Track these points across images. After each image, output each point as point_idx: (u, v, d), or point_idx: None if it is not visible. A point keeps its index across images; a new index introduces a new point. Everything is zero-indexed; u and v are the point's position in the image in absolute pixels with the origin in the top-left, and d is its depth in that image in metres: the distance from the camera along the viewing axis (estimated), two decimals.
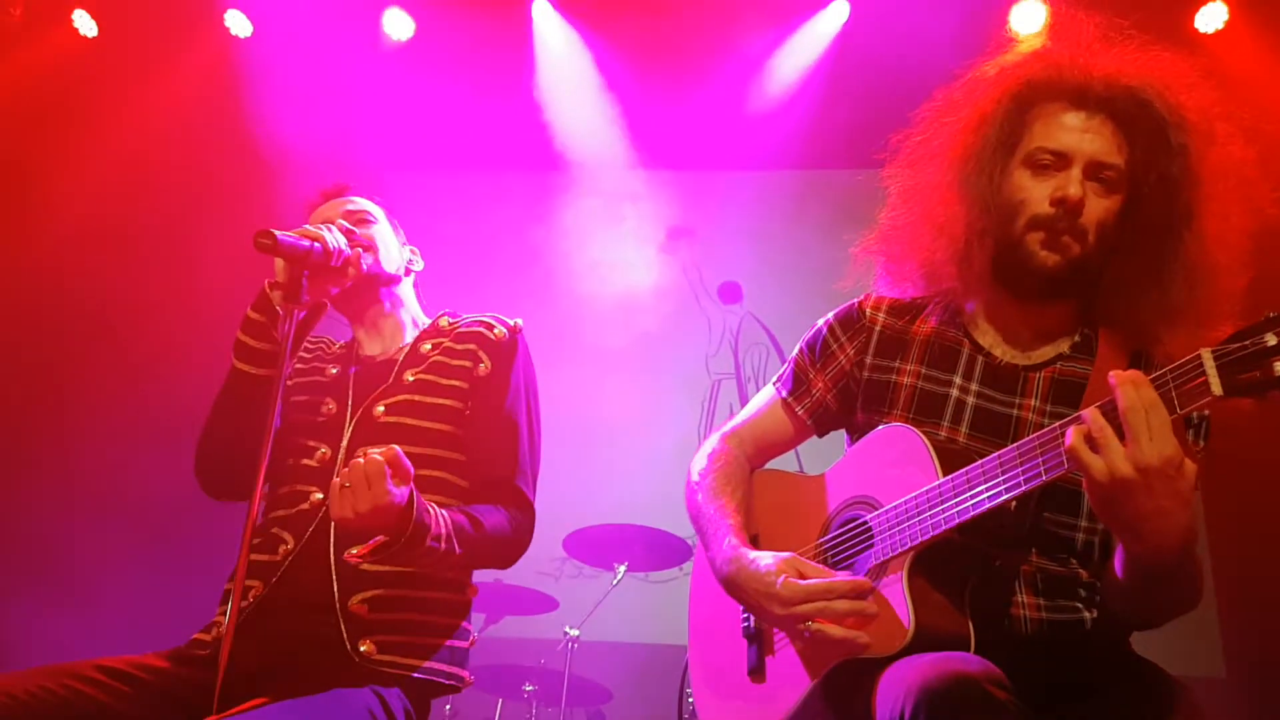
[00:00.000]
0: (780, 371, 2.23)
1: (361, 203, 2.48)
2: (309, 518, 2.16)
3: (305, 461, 2.24)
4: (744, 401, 6.79)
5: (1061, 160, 1.83)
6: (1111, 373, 1.45)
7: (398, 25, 5.82)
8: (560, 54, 6.00)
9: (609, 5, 5.77)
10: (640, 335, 6.33)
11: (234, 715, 1.78)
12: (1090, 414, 1.47)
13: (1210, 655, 5.39)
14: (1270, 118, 5.44)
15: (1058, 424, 1.57)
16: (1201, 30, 5.41)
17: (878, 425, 1.95)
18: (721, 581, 1.92)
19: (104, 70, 5.91)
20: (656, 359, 6.32)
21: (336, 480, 1.83)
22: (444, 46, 5.81)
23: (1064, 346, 1.93)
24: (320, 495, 2.16)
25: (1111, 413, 1.45)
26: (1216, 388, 1.35)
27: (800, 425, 2.18)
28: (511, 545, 2.21)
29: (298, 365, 2.44)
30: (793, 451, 5.09)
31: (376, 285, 2.41)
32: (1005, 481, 1.63)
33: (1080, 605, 1.82)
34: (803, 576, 1.75)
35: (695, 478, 2.17)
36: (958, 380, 1.95)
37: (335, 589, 2.06)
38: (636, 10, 5.69)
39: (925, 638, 1.66)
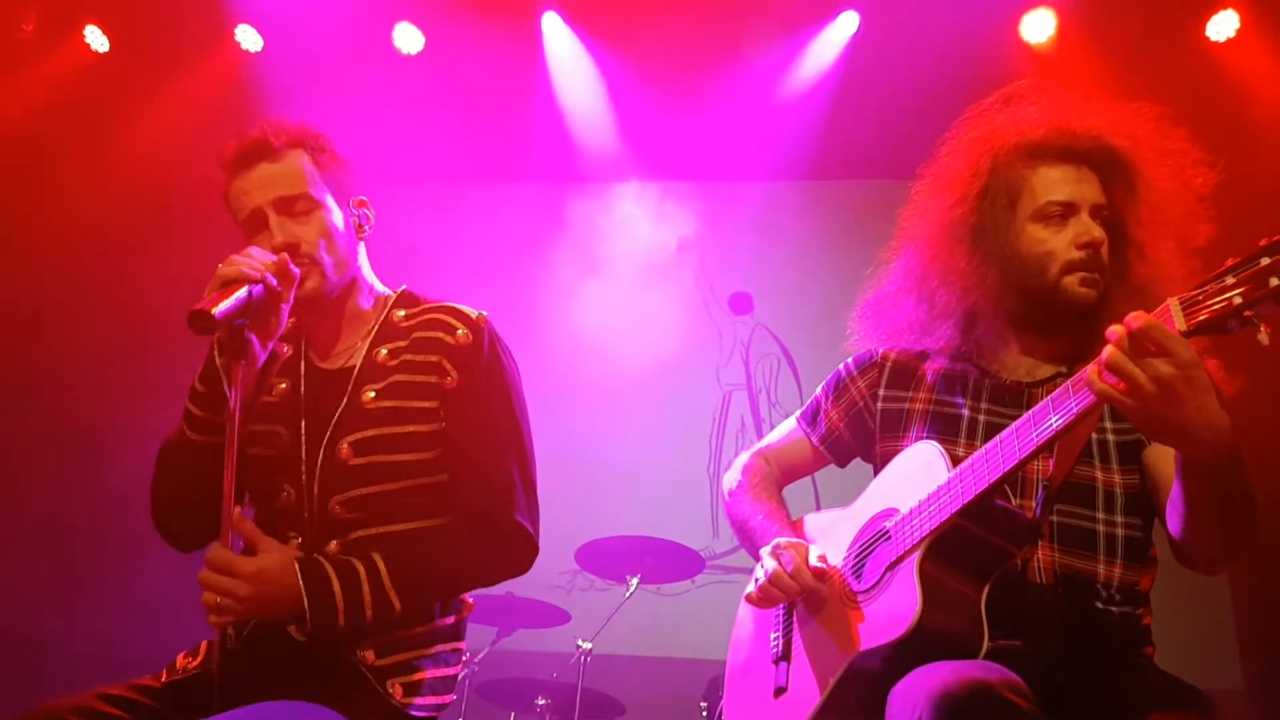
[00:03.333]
0: (804, 406, 2.42)
1: (295, 174, 2.08)
2: None
3: (274, 504, 2.06)
4: (755, 412, 6.85)
5: (1069, 209, 2.03)
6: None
7: (408, 39, 5.84)
8: (570, 66, 6.01)
9: (618, 18, 5.77)
10: (651, 347, 6.32)
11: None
12: (1106, 350, 1.52)
13: (1228, 667, 5.36)
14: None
15: (1059, 390, 1.65)
16: (1213, 39, 5.39)
17: (896, 451, 2.06)
18: None
19: (115, 86, 5.94)
20: (668, 370, 6.31)
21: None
22: (454, 60, 5.82)
23: (1062, 366, 2.08)
24: (300, 539, 2.01)
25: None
26: (1181, 324, 1.45)
27: (816, 453, 2.37)
28: (480, 573, 2.09)
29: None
30: (811, 490, 5.11)
31: (330, 296, 2.12)
32: (1010, 451, 1.70)
33: (1101, 604, 1.86)
34: (804, 558, 1.95)
35: (733, 487, 2.39)
36: (968, 401, 2.08)
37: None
38: (645, 22, 5.69)
39: (934, 627, 1.68)
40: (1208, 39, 5.40)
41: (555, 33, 5.88)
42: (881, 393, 2.23)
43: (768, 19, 5.68)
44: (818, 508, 2.27)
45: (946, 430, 2.06)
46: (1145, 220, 2.04)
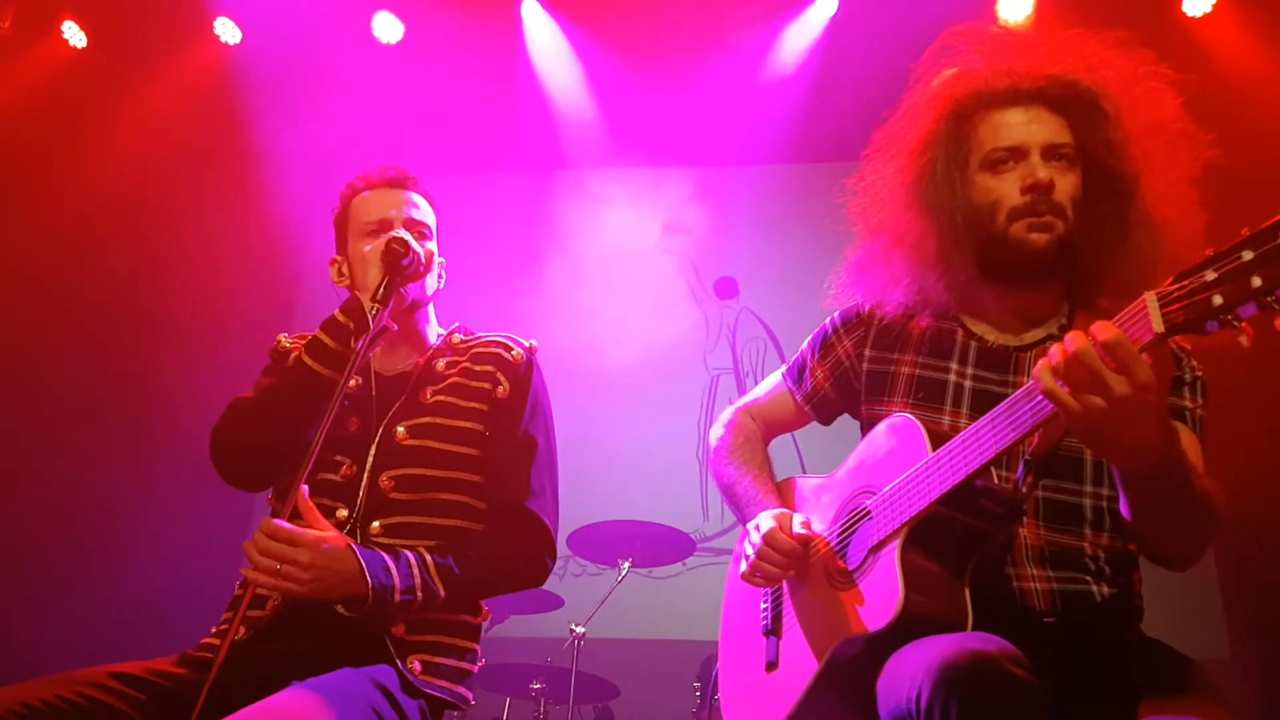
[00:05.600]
0: (790, 361, 2.38)
1: (424, 208, 2.44)
2: None
3: (328, 476, 2.21)
4: (742, 395, 6.75)
5: (1017, 154, 1.95)
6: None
7: (387, 28, 5.82)
8: (551, 54, 6.01)
9: (598, 3, 5.77)
10: (638, 332, 6.34)
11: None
12: (1054, 349, 1.49)
13: (1214, 637, 5.41)
14: (1260, 98, 5.48)
15: (1034, 381, 1.60)
16: (1190, 14, 5.44)
17: (881, 415, 2.02)
18: None
19: (94, 81, 5.91)
20: (654, 355, 6.33)
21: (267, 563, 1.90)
22: (434, 49, 5.81)
23: (1053, 329, 2.01)
24: (345, 512, 2.15)
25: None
26: (1158, 325, 1.39)
27: (800, 411, 2.34)
28: (519, 570, 2.24)
29: None
30: (794, 448, 5.13)
31: (419, 305, 2.39)
32: (989, 441, 1.67)
33: (1090, 579, 1.83)
34: (783, 525, 1.96)
35: (716, 444, 2.37)
36: (954, 366, 2.02)
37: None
38: (626, 8, 5.69)
39: (919, 613, 1.67)
40: (1184, 14, 5.44)
41: (535, 19, 5.87)
42: (868, 352, 2.16)
43: (748, 2, 5.68)
44: (801, 467, 2.27)
45: (932, 396, 2.00)
46: (1121, 152, 1.92)
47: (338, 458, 2.22)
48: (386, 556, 2.02)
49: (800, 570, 1.99)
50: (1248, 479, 5.30)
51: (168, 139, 5.91)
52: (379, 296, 2.14)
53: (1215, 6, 5.40)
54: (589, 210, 6.61)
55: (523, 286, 6.40)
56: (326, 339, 2.16)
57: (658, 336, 6.37)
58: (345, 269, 2.38)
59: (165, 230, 5.86)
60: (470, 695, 2.18)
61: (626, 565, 4.74)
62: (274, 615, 2.07)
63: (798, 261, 6.07)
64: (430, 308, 2.46)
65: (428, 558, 2.07)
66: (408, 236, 2.23)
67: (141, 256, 5.83)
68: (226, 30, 5.84)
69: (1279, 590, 5.16)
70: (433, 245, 2.38)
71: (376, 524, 2.14)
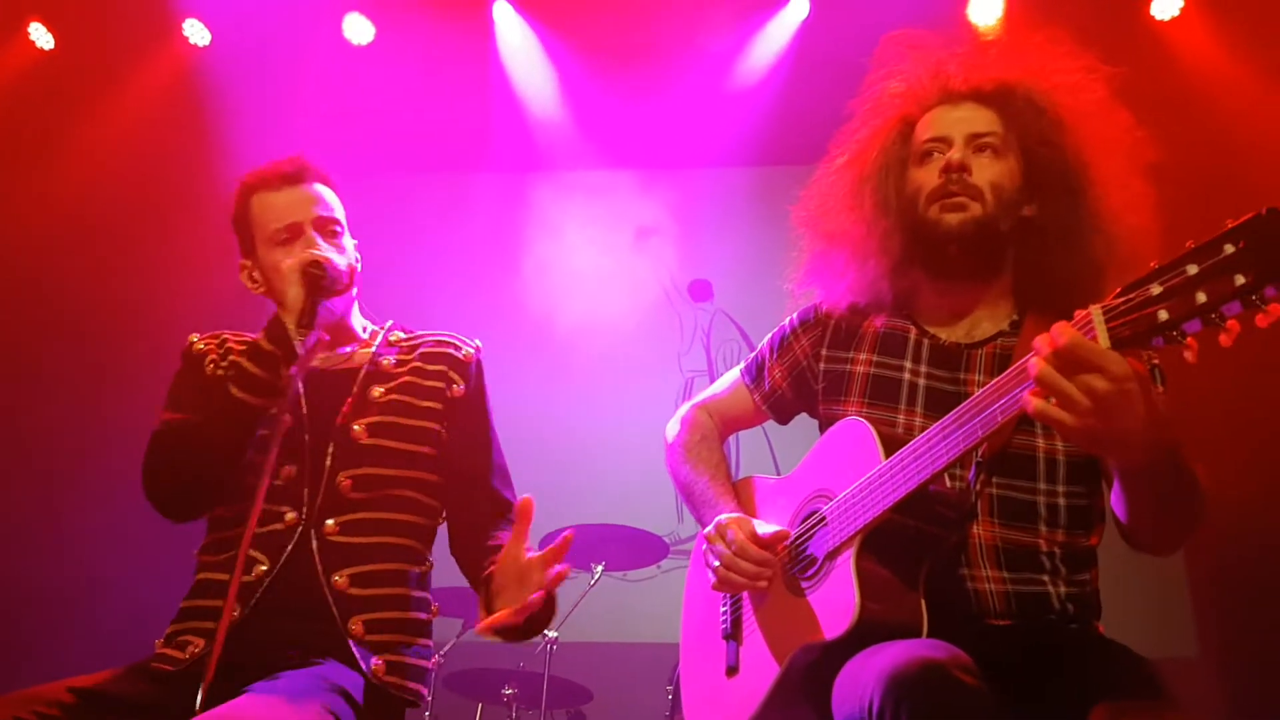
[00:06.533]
0: (748, 359, 2.40)
1: (330, 201, 2.34)
2: (284, 538, 2.10)
3: (273, 479, 2.15)
4: None
5: (943, 143, 2.00)
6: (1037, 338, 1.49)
7: (358, 30, 5.79)
8: (523, 55, 5.99)
9: (570, 6, 5.76)
10: (612, 335, 6.33)
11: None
12: (1032, 363, 1.48)
13: (1183, 636, 5.45)
14: (1226, 102, 5.52)
15: (982, 390, 1.63)
16: (1157, 17, 5.48)
17: (839, 414, 2.04)
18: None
19: (61, 83, 5.84)
20: (628, 358, 6.32)
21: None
22: (405, 50, 5.78)
23: (1004, 324, 2.02)
24: (293, 515, 2.12)
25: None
26: (1104, 340, 1.40)
27: (758, 409, 2.35)
28: None
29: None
30: (768, 447, 5.12)
31: (347, 311, 2.37)
32: (939, 452, 1.68)
33: (1045, 578, 1.84)
34: (747, 533, 1.95)
35: (672, 440, 2.38)
36: (908, 364, 2.04)
37: (335, 612, 2.04)
38: (598, 10, 5.68)
39: (874, 620, 1.68)
40: (1152, 18, 5.48)
41: (507, 21, 5.85)
42: (824, 352, 2.18)
43: (719, 5, 5.69)
44: (775, 466, 2.28)
45: (886, 395, 2.02)
46: (1058, 147, 1.96)
47: (275, 458, 2.13)
48: None
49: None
50: (1216, 477, 5.35)
51: (136, 141, 5.85)
52: (304, 322, 2.06)
53: (1183, 10, 5.43)
54: (562, 212, 6.59)
55: (494, 288, 6.38)
56: (254, 369, 2.06)
57: (632, 339, 6.36)
58: (258, 275, 2.29)
59: (133, 232, 5.80)
60: (426, 691, 2.17)
61: (599, 569, 4.74)
62: (237, 623, 2.03)
63: (771, 264, 5.98)
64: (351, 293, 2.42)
65: None
66: (325, 249, 2.17)
67: (110, 258, 5.77)
68: (196, 32, 5.79)
69: (1248, 589, 5.20)
70: (346, 239, 2.32)
71: (331, 522, 2.12)
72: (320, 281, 2.11)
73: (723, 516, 2.02)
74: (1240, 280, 1.27)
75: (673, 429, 2.40)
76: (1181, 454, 1.58)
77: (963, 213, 1.93)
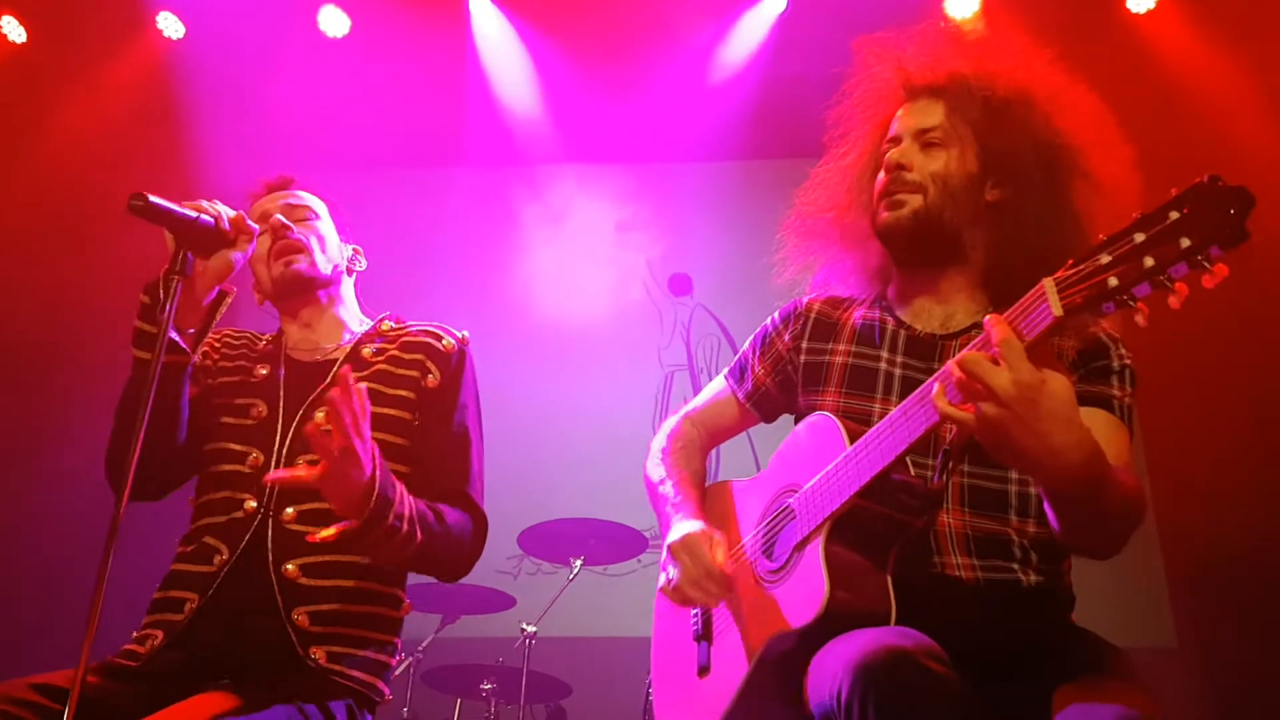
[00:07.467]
0: (731, 363, 2.39)
1: (305, 197, 2.43)
2: (243, 526, 2.08)
3: (235, 467, 2.16)
4: (697, 393, 6.76)
5: (895, 143, 2.08)
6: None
7: (333, 22, 5.77)
8: (500, 48, 5.97)
9: None
10: (592, 329, 6.32)
11: None
12: (949, 365, 1.52)
13: (1160, 626, 5.48)
14: (1201, 93, 5.54)
15: (934, 377, 1.64)
16: (1133, 10, 5.50)
17: (817, 404, 2.05)
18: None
19: (34, 76, 5.81)
20: (609, 353, 6.31)
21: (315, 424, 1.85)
22: (381, 43, 5.77)
23: (978, 316, 2.03)
24: (254, 504, 2.10)
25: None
26: (1056, 309, 1.43)
27: (744, 411, 2.33)
28: (468, 550, 2.18)
29: (222, 364, 2.35)
30: (750, 450, 5.13)
31: (313, 286, 2.36)
32: (901, 435, 1.69)
33: (1016, 566, 1.84)
34: (711, 547, 1.93)
35: (654, 449, 2.36)
36: (884, 354, 2.05)
37: (279, 601, 2.01)
38: (575, 3, 5.67)
39: (844, 606, 1.68)
40: (1129, 11, 5.51)
41: (483, 13, 5.84)
42: (804, 345, 2.19)
43: None
44: (757, 466, 2.27)
45: (864, 385, 2.03)
46: (1014, 123, 2.00)
47: (241, 448, 2.18)
48: (391, 476, 1.93)
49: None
50: (1191, 468, 5.39)
51: (110, 135, 5.81)
52: (171, 268, 1.94)
53: (1159, 3, 5.46)
54: (541, 206, 6.58)
55: (471, 284, 6.36)
56: (143, 325, 2.05)
57: (612, 333, 6.36)
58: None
59: (107, 226, 5.75)
60: (385, 688, 2.12)
61: (579, 563, 4.72)
62: (189, 621, 2.01)
63: (752, 258, 6.00)
64: (348, 292, 2.47)
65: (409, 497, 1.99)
66: (202, 203, 2.04)
67: (83, 251, 5.72)
68: (170, 25, 5.77)
69: (1225, 579, 5.22)
70: (322, 227, 2.39)
71: (290, 510, 2.09)
72: (191, 231, 1.98)
73: (693, 532, 1.98)
74: (1186, 243, 1.32)
75: (658, 442, 2.38)
76: (1109, 476, 1.56)
77: (899, 209, 2.01)
